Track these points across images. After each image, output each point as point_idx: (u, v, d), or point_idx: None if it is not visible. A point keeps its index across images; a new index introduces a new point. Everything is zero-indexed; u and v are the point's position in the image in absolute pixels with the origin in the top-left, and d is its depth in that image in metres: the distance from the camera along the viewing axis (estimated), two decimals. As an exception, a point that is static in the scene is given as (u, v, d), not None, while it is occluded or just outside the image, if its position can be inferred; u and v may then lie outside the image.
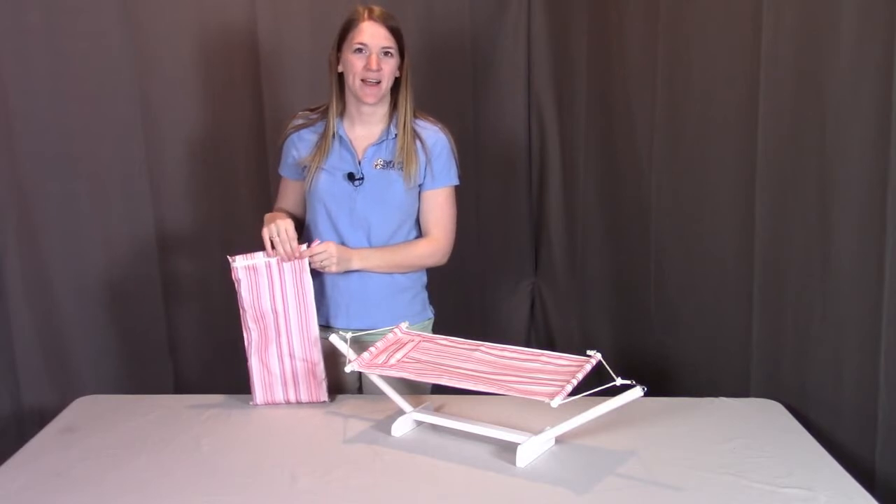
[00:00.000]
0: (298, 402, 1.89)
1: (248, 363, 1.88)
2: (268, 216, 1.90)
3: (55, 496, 1.50)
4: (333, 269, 1.86)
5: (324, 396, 1.88)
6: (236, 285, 1.86)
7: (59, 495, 1.50)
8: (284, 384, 1.89)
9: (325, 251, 1.84)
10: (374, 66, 1.84)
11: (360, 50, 1.85)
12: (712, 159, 2.08)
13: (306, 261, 1.84)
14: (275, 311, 1.86)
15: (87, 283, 2.55)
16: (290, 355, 1.88)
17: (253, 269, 1.84)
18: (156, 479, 1.55)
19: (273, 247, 1.82)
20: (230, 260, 1.85)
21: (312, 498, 1.48)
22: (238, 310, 1.87)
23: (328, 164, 1.93)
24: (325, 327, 1.95)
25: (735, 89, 1.94)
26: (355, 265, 1.90)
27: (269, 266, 1.84)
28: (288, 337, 1.88)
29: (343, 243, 1.92)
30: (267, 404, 1.89)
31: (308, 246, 1.85)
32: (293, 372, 1.88)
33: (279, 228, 1.81)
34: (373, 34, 1.85)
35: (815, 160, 1.71)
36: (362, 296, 1.95)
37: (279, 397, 1.89)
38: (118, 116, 2.49)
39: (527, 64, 2.83)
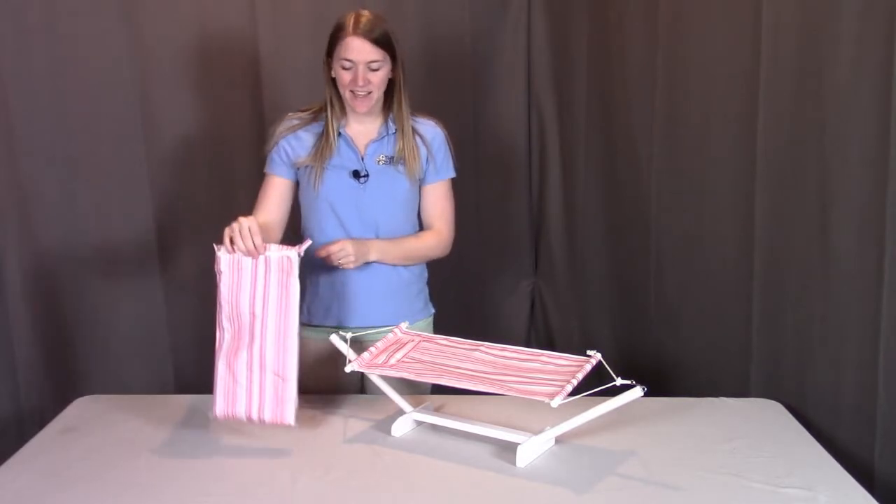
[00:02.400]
0: (261, 422, 1.66)
1: (215, 366, 1.69)
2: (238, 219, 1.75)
3: (55, 496, 1.50)
4: (352, 265, 1.84)
5: (290, 419, 1.64)
6: (217, 277, 1.69)
7: (59, 495, 1.50)
8: (249, 397, 1.66)
9: (342, 249, 1.81)
10: (360, 82, 1.83)
11: (346, 66, 1.84)
12: (712, 159, 2.08)
13: (295, 263, 1.67)
14: (252, 314, 1.67)
15: (87, 283, 2.55)
16: (261, 367, 1.66)
17: (238, 263, 1.68)
18: (156, 479, 1.55)
19: (233, 243, 1.67)
20: (216, 248, 1.69)
21: (312, 498, 1.48)
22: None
23: (331, 164, 1.92)
24: (335, 328, 1.92)
25: (735, 89, 1.94)
26: (372, 257, 1.90)
27: (255, 263, 1.67)
28: (262, 344, 1.66)
29: None
30: (226, 418, 1.68)
31: (304, 246, 1.71)
32: (260, 385, 1.65)
33: (241, 226, 1.66)
34: (358, 50, 1.82)
35: (815, 160, 1.71)
36: (368, 292, 1.95)
37: (241, 411, 1.66)
38: (118, 116, 2.49)
39: (527, 64, 2.82)
